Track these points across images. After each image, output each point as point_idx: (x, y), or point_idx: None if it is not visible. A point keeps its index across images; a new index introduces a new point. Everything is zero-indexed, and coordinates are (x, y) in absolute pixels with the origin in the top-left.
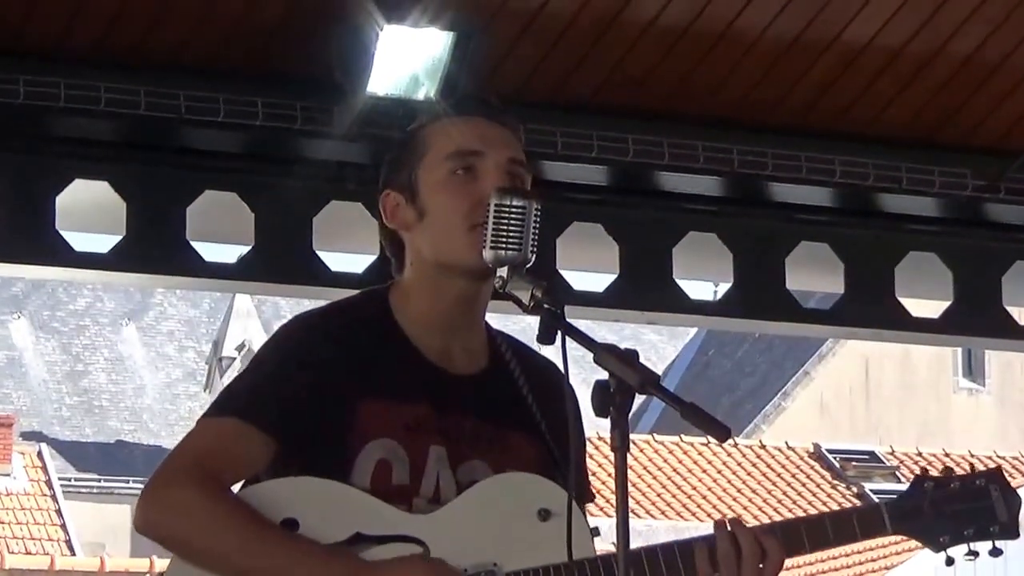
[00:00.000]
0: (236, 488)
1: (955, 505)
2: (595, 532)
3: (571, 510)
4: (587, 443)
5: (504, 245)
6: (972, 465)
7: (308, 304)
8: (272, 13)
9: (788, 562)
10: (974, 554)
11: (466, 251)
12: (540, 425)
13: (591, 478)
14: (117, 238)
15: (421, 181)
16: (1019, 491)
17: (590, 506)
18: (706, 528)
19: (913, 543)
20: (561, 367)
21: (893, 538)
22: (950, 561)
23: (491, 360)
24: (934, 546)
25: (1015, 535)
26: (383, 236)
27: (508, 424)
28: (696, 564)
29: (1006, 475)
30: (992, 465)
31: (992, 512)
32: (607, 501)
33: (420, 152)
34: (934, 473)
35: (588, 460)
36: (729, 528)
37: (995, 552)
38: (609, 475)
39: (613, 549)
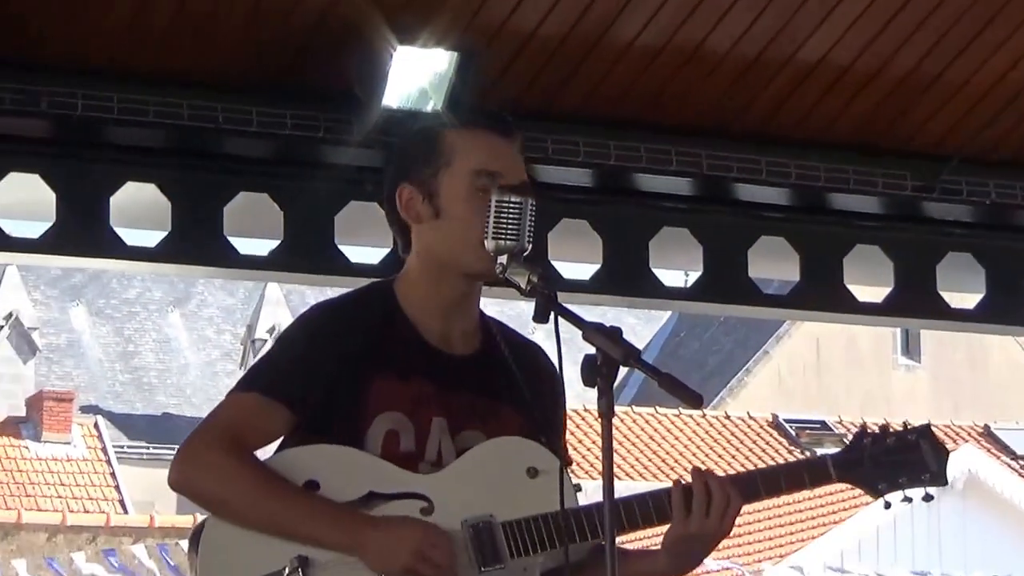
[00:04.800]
0: (264, 453)
1: (891, 457)
2: (578, 488)
3: (563, 469)
4: (573, 414)
5: (504, 235)
6: (906, 422)
7: (331, 292)
8: (298, 36)
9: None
10: (908, 500)
11: (477, 262)
12: (526, 398)
13: (577, 446)
14: (163, 234)
15: (443, 185)
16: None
17: (578, 469)
18: None
19: (859, 494)
20: (545, 351)
21: (845, 493)
22: (887, 505)
23: (484, 342)
24: (873, 492)
25: (943, 483)
26: (391, 222)
27: (499, 398)
28: (671, 508)
29: (935, 432)
30: None
31: (923, 463)
32: (591, 465)
33: (445, 158)
34: (873, 428)
35: (574, 429)
36: (703, 478)
37: (927, 498)
38: (594, 442)
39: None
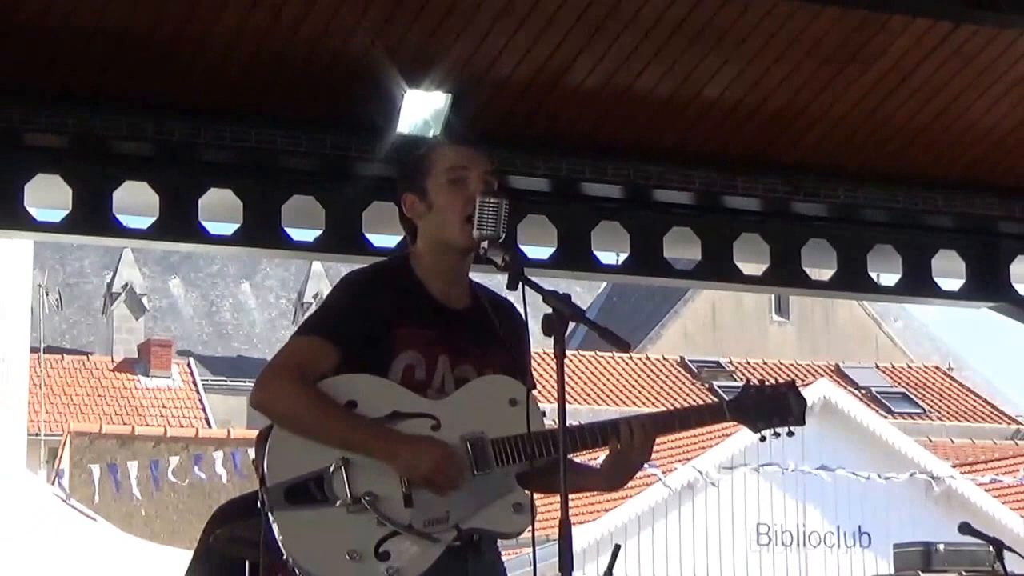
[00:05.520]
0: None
1: (768, 404)
2: (543, 415)
3: (530, 398)
4: (536, 355)
5: (485, 227)
6: (776, 378)
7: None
8: (336, 84)
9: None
10: (777, 435)
11: (459, 236)
12: (504, 342)
13: (538, 379)
14: (237, 225)
15: (430, 187)
16: (805, 393)
17: (537, 394)
18: (612, 411)
19: (738, 425)
20: (516, 306)
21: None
22: (763, 438)
23: (472, 300)
24: (753, 429)
25: (803, 423)
26: (402, 222)
27: (486, 341)
28: (608, 439)
29: (798, 384)
30: (793, 372)
31: (790, 409)
32: (549, 393)
33: (428, 168)
34: (754, 382)
35: (536, 367)
36: (628, 421)
37: (790, 433)
38: (551, 376)
39: (554, 424)
